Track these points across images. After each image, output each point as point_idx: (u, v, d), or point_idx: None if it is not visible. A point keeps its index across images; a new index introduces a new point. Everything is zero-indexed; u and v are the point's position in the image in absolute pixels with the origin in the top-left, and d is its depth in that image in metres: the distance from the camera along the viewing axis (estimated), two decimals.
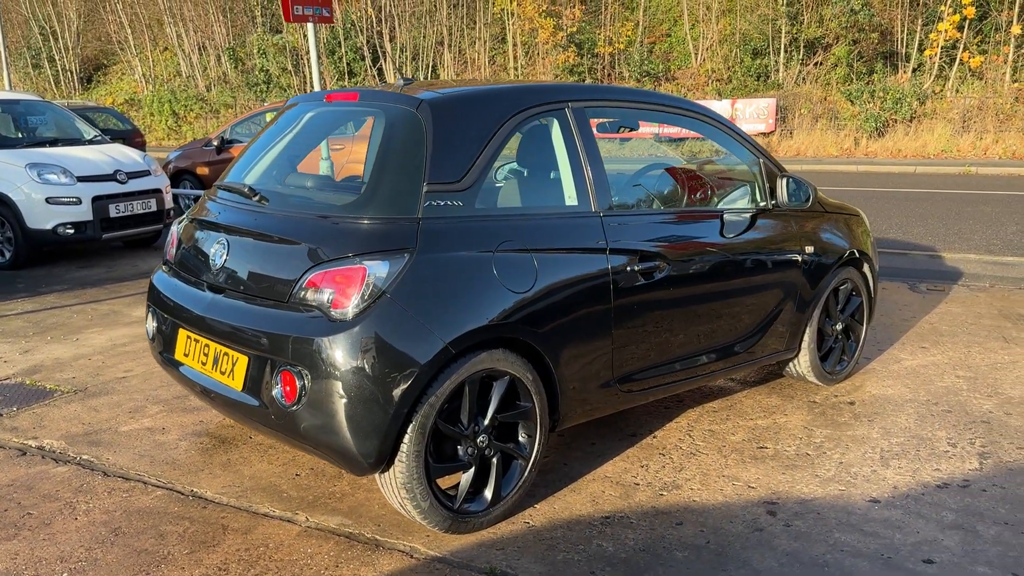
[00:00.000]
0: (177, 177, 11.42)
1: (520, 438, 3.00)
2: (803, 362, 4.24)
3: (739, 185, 3.95)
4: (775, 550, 2.78)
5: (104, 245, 8.35)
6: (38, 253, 7.84)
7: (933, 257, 7.94)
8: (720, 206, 3.85)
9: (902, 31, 20.95)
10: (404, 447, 2.63)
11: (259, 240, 2.94)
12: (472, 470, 2.83)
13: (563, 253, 3.00)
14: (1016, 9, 19.47)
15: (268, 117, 9.55)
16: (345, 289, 2.59)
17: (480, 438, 2.82)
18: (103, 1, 32.58)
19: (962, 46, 19.80)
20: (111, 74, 34.13)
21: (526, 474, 3.00)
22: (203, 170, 11.16)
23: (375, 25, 26.66)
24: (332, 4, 8.49)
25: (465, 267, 2.73)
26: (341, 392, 2.56)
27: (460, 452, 2.81)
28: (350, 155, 7.77)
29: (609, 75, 24.28)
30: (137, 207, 8.01)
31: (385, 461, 2.64)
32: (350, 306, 2.58)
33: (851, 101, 19.56)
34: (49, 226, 7.48)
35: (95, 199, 7.65)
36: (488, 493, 2.89)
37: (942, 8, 19.71)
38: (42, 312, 6.06)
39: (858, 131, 19.14)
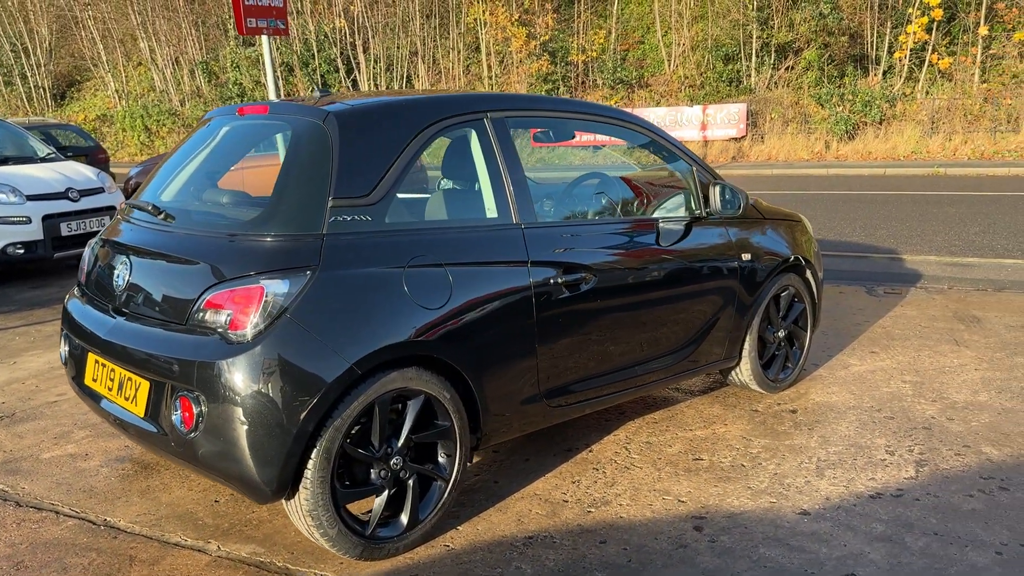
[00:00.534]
0: None
1: (439, 458, 2.92)
2: (745, 370, 4.18)
3: (675, 194, 3.90)
4: (696, 567, 2.71)
5: (57, 264, 8.22)
6: None
7: (893, 260, 7.93)
8: (655, 215, 3.80)
9: (872, 34, 21.08)
10: (308, 473, 2.55)
11: (159, 260, 2.85)
12: (386, 494, 2.75)
13: (481, 267, 2.93)
14: (983, 10, 19.63)
15: None
16: (243, 309, 2.51)
17: (394, 460, 2.74)
18: (75, 17, 32.35)
19: (931, 48, 19.93)
20: (84, 90, 33.86)
21: (445, 496, 2.92)
22: None
23: (348, 36, 26.59)
24: (287, 16, 8.41)
25: (373, 284, 2.66)
26: (239, 417, 2.47)
27: (372, 475, 2.73)
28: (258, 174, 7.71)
29: (583, 83, 24.30)
30: (90, 225, 7.89)
31: (288, 488, 2.55)
32: (248, 327, 2.50)
33: (821, 104, 19.64)
34: None
35: (45, 218, 7.53)
36: (404, 517, 2.80)
37: (910, 10, 19.86)
38: None
39: (828, 134, 19.22)
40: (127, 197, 8.83)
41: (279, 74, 26.80)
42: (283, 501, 2.64)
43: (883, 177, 15.90)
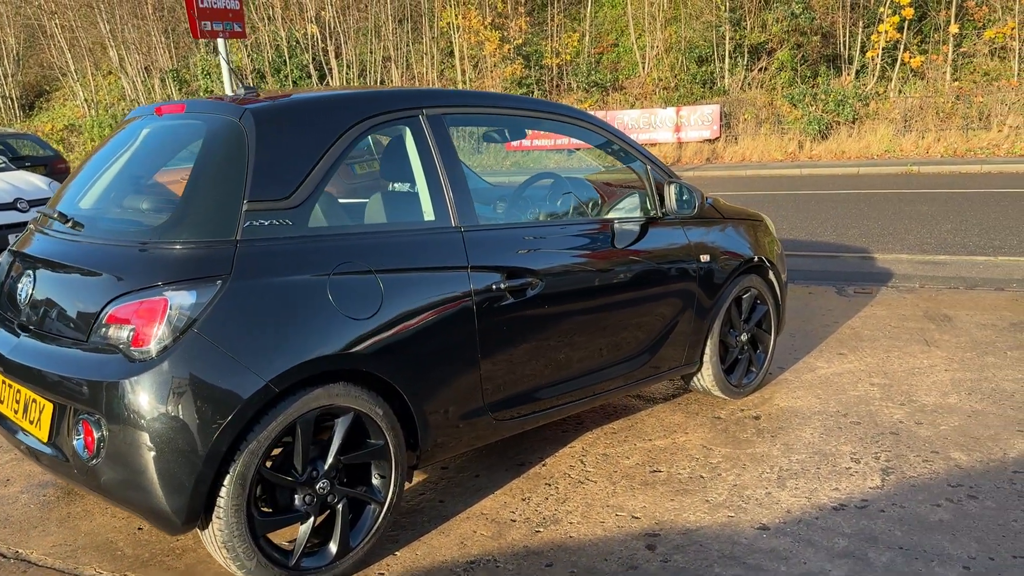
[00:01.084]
0: None
1: (373, 480, 2.73)
2: (706, 376, 4.02)
3: (630, 194, 3.73)
4: None
5: None
6: None
7: (865, 259, 7.82)
8: (609, 216, 3.62)
9: (844, 34, 21.11)
10: (221, 501, 2.35)
11: (63, 272, 2.64)
12: (311, 521, 2.55)
13: (416, 273, 2.75)
14: (953, 8, 19.70)
15: None
16: (146, 323, 2.31)
17: (320, 484, 2.55)
18: (42, 26, 31.87)
19: (903, 47, 19.97)
20: (54, 100, 33.36)
21: (380, 520, 2.72)
22: None
23: (320, 42, 26.35)
24: (244, 19, 8.19)
25: (293, 294, 2.46)
26: (143, 442, 2.27)
27: (296, 501, 2.53)
28: None
29: (557, 86, 24.19)
30: None
31: (200, 517, 2.35)
32: (152, 343, 2.30)
33: (794, 104, 19.62)
34: None
35: None
36: (333, 545, 2.61)
37: (882, 9, 19.89)
38: None
39: (802, 134, 19.19)
40: None
41: (251, 81, 26.52)
42: (198, 530, 2.43)
43: (856, 176, 15.86)
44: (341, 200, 2.96)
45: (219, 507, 2.35)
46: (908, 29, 19.89)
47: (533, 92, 23.88)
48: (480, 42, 24.11)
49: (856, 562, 2.65)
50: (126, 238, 2.61)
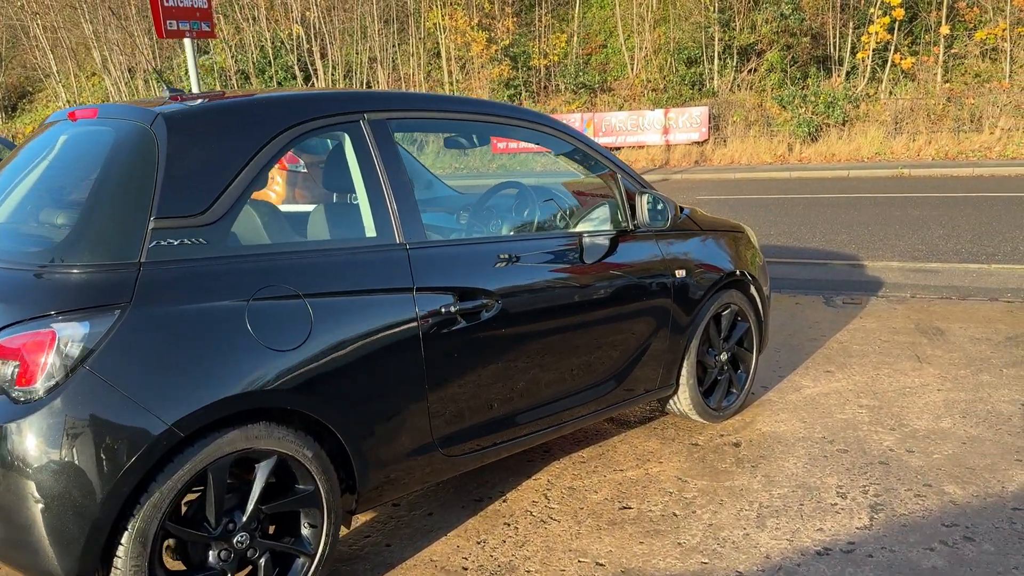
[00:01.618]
0: None
1: (303, 530, 2.44)
2: (683, 399, 3.75)
3: (599, 205, 3.45)
4: None
5: None
6: None
7: (854, 266, 7.57)
8: (576, 228, 3.35)
9: (834, 35, 20.91)
10: (119, 561, 2.06)
11: None
12: None
13: (351, 297, 2.46)
14: (944, 9, 19.52)
15: None
16: (32, 359, 2.02)
17: (238, 537, 2.26)
18: (24, 27, 31.44)
19: (893, 48, 19.78)
20: (36, 102, 32.92)
21: (311, 575, 2.43)
22: None
23: (305, 43, 26.02)
24: (212, 18, 7.89)
25: (204, 323, 2.17)
26: (28, 494, 1.98)
27: (211, 558, 2.24)
28: None
29: (545, 87, 23.93)
30: None
31: None
32: (39, 381, 2.01)
33: (783, 106, 19.40)
34: None
35: None
36: None
37: (872, 10, 19.70)
38: None
39: (791, 137, 18.97)
40: None
41: (235, 82, 26.19)
42: None
43: (846, 179, 15.64)
44: (270, 215, 2.67)
45: (116, 569, 2.06)
46: (899, 30, 19.70)
47: (520, 93, 23.63)
48: (467, 43, 23.83)
49: None
50: (27, 260, 2.31)
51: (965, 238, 8.62)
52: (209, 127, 2.40)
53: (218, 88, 26.29)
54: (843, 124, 18.86)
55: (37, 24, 30.66)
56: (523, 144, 19.66)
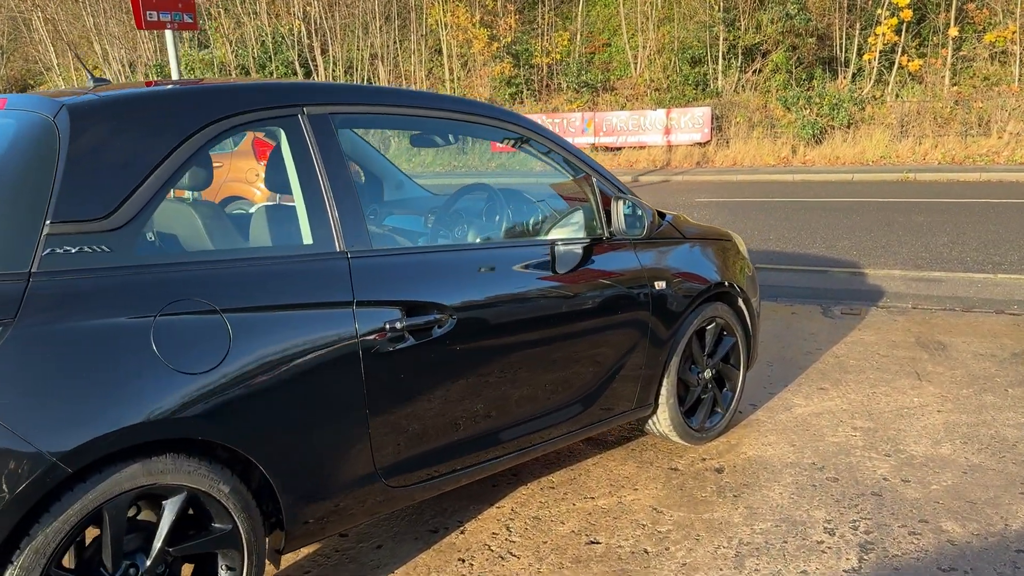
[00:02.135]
0: None
1: (220, 573, 2.18)
2: (662, 420, 3.48)
3: (573, 211, 3.18)
4: None
5: None
6: None
7: (855, 274, 7.29)
8: (547, 235, 3.08)
9: (840, 36, 20.61)
10: None
11: None
12: None
13: (278, 312, 2.20)
14: (953, 11, 19.21)
15: None
16: None
17: None
18: (25, 19, 31.28)
19: (900, 50, 19.47)
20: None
21: None
22: None
23: (307, 38, 25.79)
24: (195, 9, 7.63)
25: (102, 342, 1.91)
26: None
27: None
28: (229, 173, 6.90)
29: (547, 86, 23.66)
30: None
31: None
32: None
33: (787, 108, 19.10)
34: None
35: None
36: None
37: (879, 11, 19.38)
38: None
39: (795, 139, 18.66)
40: None
41: (234, 77, 25.95)
42: None
43: (850, 183, 15.34)
44: (190, 219, 2.41)
45: None
46: (906, 32, 19.39)
47: (522, 91, 23.36)
48: (468, 40, 23.57)
49: None
50: None
51: (971, 246, 8.33)
52: (120, 120, 2.14)
53: None
54: (848, 127, 18.56)
55: (38, 16, 30.49)
56: None
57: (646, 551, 2.78)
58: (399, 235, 3.59)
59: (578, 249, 3.01)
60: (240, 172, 7.36)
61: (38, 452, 1.78)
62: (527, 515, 3.06)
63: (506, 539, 2.89)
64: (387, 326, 2.38)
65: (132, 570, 2.00)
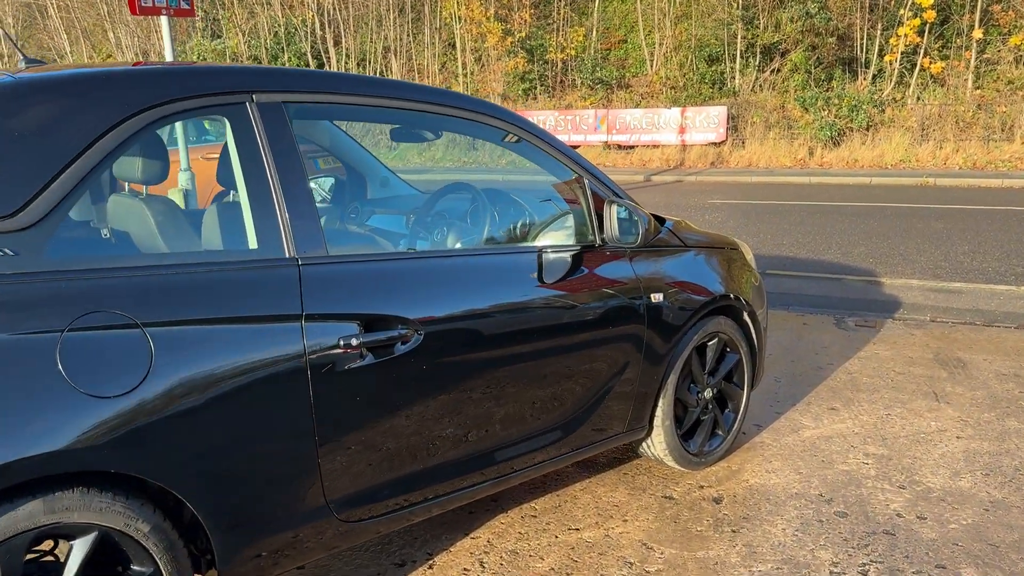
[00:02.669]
0: None
1: None
2: (657, 443, 3.21)
3: (561, 215, 2.90)
4: None
5: None
6: None
7: (870, 283, 6.97)
8: (533, 242, 2.81)
9: (861, 36, 20.18)
10: None
11: None
12: None
13: (211, 326, 1.94)
14: (978, 13, 18.75)
15: None
16: None
17: None
18: (41, 7, 31.24)
19: (923, 51, 19.04)
20: None
21: None
22: None
23: (319, 30, 25.58)
24: None
25: None
26: None
27: None
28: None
29: (561, 82, 23.34)
30: None
31: None
32: None
33: (805, 108, 18.71)
34: None
35: None
36: None
37: (902, 11, 18.94)
38: None
39: (812, 140, 18.28)
40: None
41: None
42: None
43: (868, 187, 14.96)
44: (116, 219, 2.15)
45: None
46: (929, 33, 18.96)
47: (536, 87, 23.07)
48: (482, 34, 23.29)
49: None
50: None
51: (992, 255, 7.99)
52: (33, 107, 1.88)
53: None
54: (867, 129, 18.15)
55: (52, 3, 30.44)
56: None
57: None
58: (381, 236, 3.34)
59: (567, 257, 2.73)
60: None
61: None
62: (504, 548, 2.79)
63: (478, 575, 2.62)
64: (341, 343, 2.12)
65: None
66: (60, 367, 1.70)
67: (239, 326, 1.98)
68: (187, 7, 7.59)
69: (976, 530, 2.87)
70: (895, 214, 11.10)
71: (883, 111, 18.48)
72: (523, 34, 23.25)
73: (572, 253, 2.76)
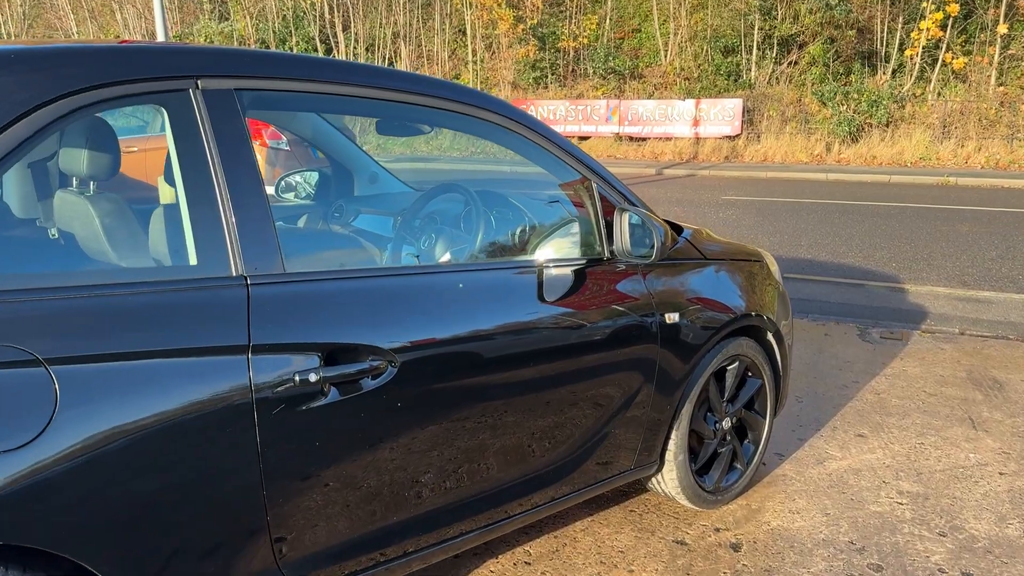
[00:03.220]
0: None
1: None
2: (669, 479, 2.86)
3: (567, 223, 2.54)
4: None
5: None
6: None
7: (894, 290, 6.59)
8: (532, 254, 2.45)
9: (882, 29, 19.67)
10: None
11: None
12: None
13: (131, 362, 1.59)
14: (1003, 7, 18.21)
15: None
16: None
17: None
18: None
19: (945, 46, 18.52)
20: None
21: None
22: None
23: (328, 14, 25.18)
24: None
25: None
26: None
27: None
28: (146, 160, 6.13)
29: (573, 71, 22.90)
30: None
31: None
32: None
33: (823, 103, 18.24)
34: None
35: None
36: None
37: (924, 5, 18.43)
38: None
39: (830, 135, 17.82)
40: None
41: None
42: None
43: (887, 185, 14.52)
44: (23, 231, 1.81)
45: None
46: (952, 27, 18.44)
47: (547, 75, 22.64)
48: (493, 20, 22.85)
49: None
50: None
51: (1022, 262, 7.59)
52: None
53: None
54: (886, 125, 17.68)
55: None
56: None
57: None
58: (364, 239, 2.99)
59: (571, 273, 2.38)
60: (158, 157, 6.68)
61: None
62: None
63: None
64: (297, 379, 1.77)
65: None
66: None
67: (170, 360, 1.63)
68: None
69: None
70: (917, 215, 10.69)
71: (903, 107, 18.01)
72: (535, 21, 22.80)
73: (577, 268, 2.41)
